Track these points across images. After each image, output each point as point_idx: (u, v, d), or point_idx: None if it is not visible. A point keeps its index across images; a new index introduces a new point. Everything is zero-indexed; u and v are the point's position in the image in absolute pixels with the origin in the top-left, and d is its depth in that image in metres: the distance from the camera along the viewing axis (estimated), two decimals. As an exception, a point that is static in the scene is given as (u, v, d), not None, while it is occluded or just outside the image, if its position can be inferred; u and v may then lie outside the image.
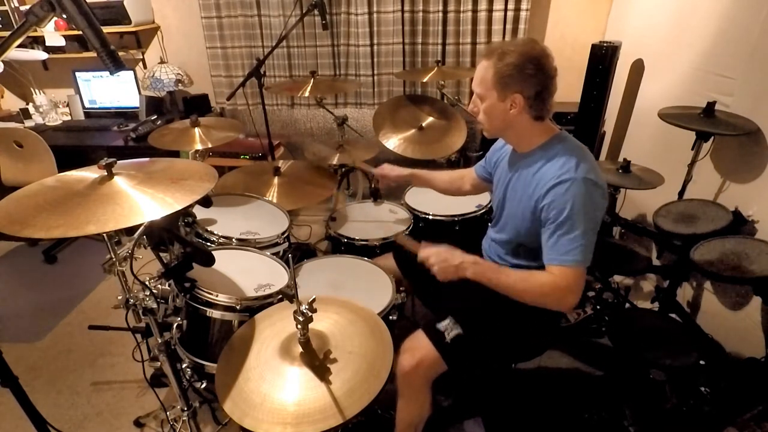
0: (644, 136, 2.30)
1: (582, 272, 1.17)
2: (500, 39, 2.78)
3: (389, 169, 1.80)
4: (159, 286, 1.23)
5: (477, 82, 1.25)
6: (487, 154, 1.58)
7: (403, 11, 2.80)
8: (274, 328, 1.15)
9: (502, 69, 1.17)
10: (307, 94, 2.25)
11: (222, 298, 1.40)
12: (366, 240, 1.85)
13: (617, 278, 2.33)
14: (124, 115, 3.22)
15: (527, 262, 1.39)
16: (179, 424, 1.48)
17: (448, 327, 1.31)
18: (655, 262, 2.06)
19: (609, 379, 1.89)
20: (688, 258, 1.44)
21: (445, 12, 2.78)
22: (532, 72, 1.16)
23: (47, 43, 2.96)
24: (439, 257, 1.26)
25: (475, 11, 2.74)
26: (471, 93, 1.29)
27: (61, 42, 2.99)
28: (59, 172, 1.17)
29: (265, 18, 2.96)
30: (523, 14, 2.71)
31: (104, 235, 1.06)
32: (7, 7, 2.94)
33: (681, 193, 1.84)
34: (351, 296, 1.28)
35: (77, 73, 3.17)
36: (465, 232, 1.98)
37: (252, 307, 1.40)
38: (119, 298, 1.17)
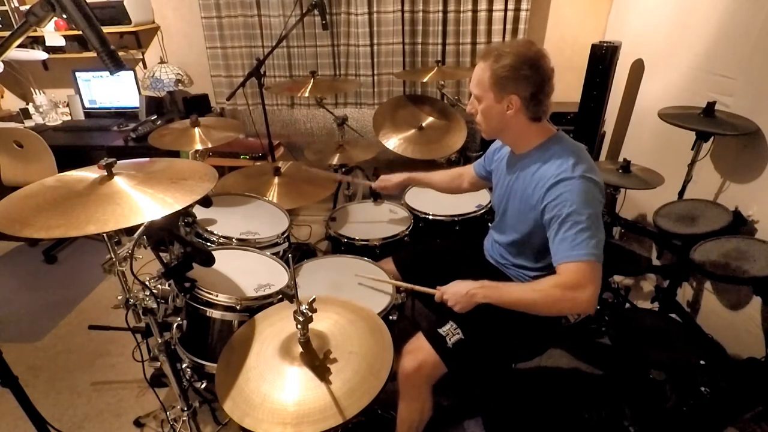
0: (644, 136, 2.30)
1: (593, 266, 1.12)
2: (500, 39, 2.78)
3: (387, 179, 1.83)
4: (159, 286, 1.22)
5: (474, 83, 1.26)
6: (486, 152, 1.59)
7: (403, 11, 2.80)
8: (274, 328, 1.15)
9: (499, 70, 1.18)
10: (307, 94, 2.26)
11: (222, 298, 1.40)
12: (366, 240, 1.85)
13: (617, 278, 2.33)
14: (124, 115, 3.22)
15: (529, 263, 1.40)
16: (179, 424, 1.48)
17: (450, 332, 1.32)
18: (655, 262, 2.06)
19: (609, 379, 1.89)
20: (688, 258, 1.44)
21: (445, 12, 2.78)
22: (527, 73, 1.17)
23: (47, 43, 2.96)
24: (452, 294, 1.26)
25: (475, 11, 2.74)
26: (471, 93, 1.29)
27: (61, 42, 2.99)
28: (59, 172, 1.16)
29: (265, 18, 2.96)
30: (523, 14, 2.71)
31: (104, 235, 1.05)
32: (7, 7, 2.94)
33: (681, 193, 1.84)
34: (351, 296, 1.28)
35: (77, 73, 3.16)
36: (465, 232, 1.98)
37: (252, 307, 1.40)
38: (119, 298, 1.17)
